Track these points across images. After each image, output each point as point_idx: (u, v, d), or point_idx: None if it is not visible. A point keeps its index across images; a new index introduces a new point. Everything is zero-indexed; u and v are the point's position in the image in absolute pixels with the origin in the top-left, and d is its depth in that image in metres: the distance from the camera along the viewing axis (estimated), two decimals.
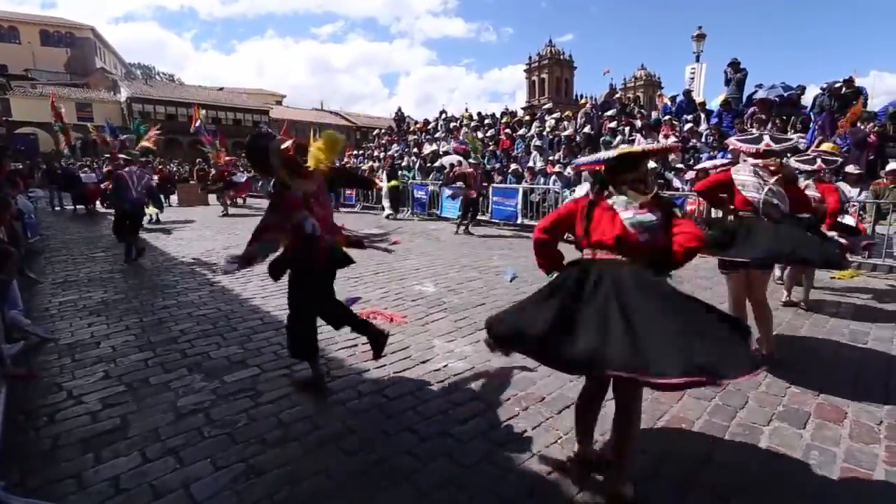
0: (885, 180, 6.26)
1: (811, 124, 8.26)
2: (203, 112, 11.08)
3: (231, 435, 2.45)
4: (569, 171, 9.56)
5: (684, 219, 2.10)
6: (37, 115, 29.75)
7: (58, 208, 14.53)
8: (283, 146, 2.72)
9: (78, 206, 13.75)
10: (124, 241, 6.98)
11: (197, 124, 10.48)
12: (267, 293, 5.05)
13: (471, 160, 10.43)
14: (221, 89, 46.04)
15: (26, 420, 2.60)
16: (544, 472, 2.16)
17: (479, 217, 10.56)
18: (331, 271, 2.98)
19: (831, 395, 2.86)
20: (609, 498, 1.96)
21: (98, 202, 13.91)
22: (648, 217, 1.92)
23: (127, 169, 7.11)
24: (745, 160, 3.28)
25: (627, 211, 1.93)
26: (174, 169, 22.49)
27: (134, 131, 8.48)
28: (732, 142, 3.57)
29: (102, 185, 14.23)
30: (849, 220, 5.27)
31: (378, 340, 3.07)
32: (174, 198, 16.37)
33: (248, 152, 2.98)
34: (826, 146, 4.50)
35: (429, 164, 13.62)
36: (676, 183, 8.46)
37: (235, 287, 5.35)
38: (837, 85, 8.65)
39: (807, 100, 9.66)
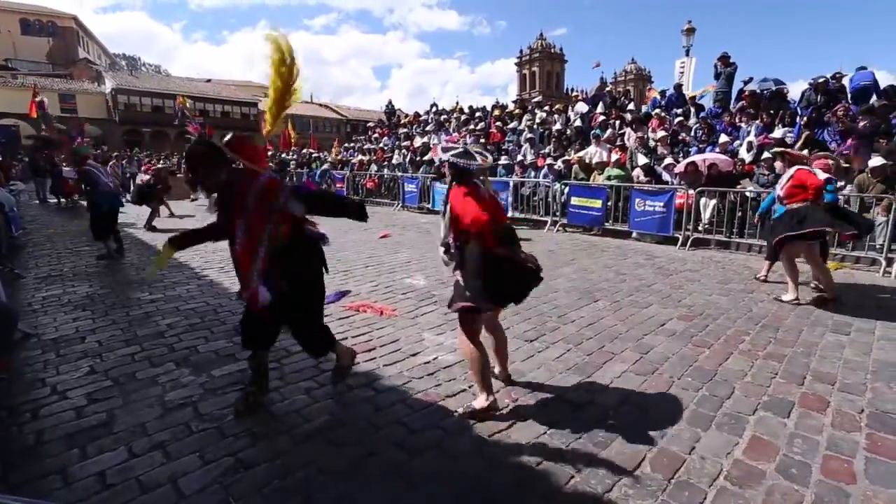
0: (868, 174, 6.34)
1: (797, 119, 8.35)
2: (190, 102, 10.84)
3: (219, 429, 2.44)
4: (559, 164, 9.58)
5: None
6: (18, 106, 28.86)
7: (45, 200, 14.25)
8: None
9: (60, 199, 13.45)
10: (103, 241, 6.59)
11: (179, 109, 10.17)
12: None
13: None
14: (209, 81, 45.33)
15: (9, 416, 2.56)
16: (533, 464, 2.18)
17: None
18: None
19: (815, 384, 2.92)
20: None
21: (76, 195, 13.62)
22: None
23: (90, 162, 6.83)
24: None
25: None
26: (162, 165, 22.06)
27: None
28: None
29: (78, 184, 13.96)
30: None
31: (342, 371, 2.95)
32: None
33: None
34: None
35: (419, 158, 13.56)
36: (666, 177, 8.50)
37: (223, 281, 5.29)
38: (822, 80, 8.77)
39: (793, 95, 9.80)
